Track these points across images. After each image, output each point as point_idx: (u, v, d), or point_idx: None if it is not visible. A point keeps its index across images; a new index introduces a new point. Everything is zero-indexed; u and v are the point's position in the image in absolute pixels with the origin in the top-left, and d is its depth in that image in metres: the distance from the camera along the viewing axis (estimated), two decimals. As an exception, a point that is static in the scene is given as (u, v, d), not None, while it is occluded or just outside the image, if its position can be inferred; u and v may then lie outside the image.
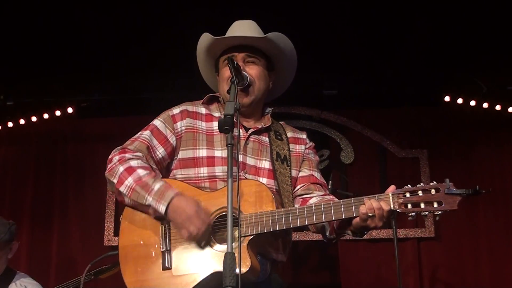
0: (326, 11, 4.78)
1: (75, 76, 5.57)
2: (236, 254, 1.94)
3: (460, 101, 5.78)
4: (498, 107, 5.77)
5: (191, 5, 4.59)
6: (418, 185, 2.20)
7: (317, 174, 2.65)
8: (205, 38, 2.64)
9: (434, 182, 2.18)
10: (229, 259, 1.89)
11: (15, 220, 3.92)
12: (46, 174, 6.17)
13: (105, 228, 5.87)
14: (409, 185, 2.21)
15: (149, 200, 2.34)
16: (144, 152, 2.52)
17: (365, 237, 5.58)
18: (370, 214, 2.18)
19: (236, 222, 2.21)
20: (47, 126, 6.16)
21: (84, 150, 6.19)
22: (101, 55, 5.20)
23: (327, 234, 2.48)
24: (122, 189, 2.41)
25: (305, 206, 2.35)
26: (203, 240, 2.30)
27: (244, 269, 2.18)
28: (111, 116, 6.21)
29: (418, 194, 2.17)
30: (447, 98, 5.80)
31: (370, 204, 2.18)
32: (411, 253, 5.68)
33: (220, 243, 2.30)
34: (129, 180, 2.40)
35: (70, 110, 5.98)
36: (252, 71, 2.57)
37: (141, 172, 2.42)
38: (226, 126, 2.09)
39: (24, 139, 6.22)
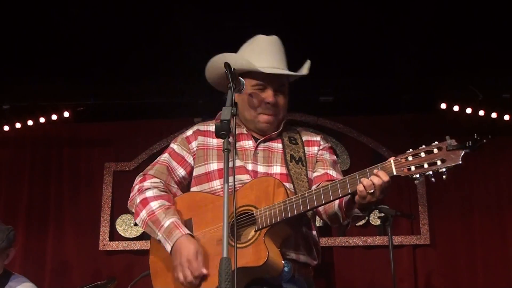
0: (323, 17, 4.79)
1: (72, 80, 5.56)
2: (246, 250, 2.20)
3: (456, 108, 5.79)
4: (494, 115, 5.78)
5: (189, 10, 4.59)
6: (420, 147, 2.16)
7: (332, 172, 2.64)
8: (243, 62, 2.56)
9: (436, 142, 2.13)
10: (225, 264, 1.93)
11: (10, 224, 3.90)
12: (41, 178, 6.14)
13: (101, 233, 5.85)
14: (411, 149, 2.18)
15: (159, 236, 2.47)
16: (164, 173, 2.65)
17: (360, 243, 5.66)
18: (371, 191, 2.16)
19: (253, 220, 2.34)
20: (43, 130, 6.14)
21: (80, 155, 6.17)
22: (97, 59, 5.20)
23: (341, 221, 2.49)
24: (138, 221, 2.58)
25: (313, 188, 2.38)
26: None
27: (260, 262, 2.24)
28: (107, 121, 6.20)
29: (420, 156, 2.13)
30: (443, 105, 5.81)
31: (368, 181, 2.17)
32: (406, 260, 5.67)
33: (239, 240, 2.36)
34: (143, 213, 2.55)
35: (66, 114, 5.97)
36: (281, 101, 2.67)
37: (154, 204, 2.54)
38: (223, 131, 2.10)
39: (20, 143, 6.20)
